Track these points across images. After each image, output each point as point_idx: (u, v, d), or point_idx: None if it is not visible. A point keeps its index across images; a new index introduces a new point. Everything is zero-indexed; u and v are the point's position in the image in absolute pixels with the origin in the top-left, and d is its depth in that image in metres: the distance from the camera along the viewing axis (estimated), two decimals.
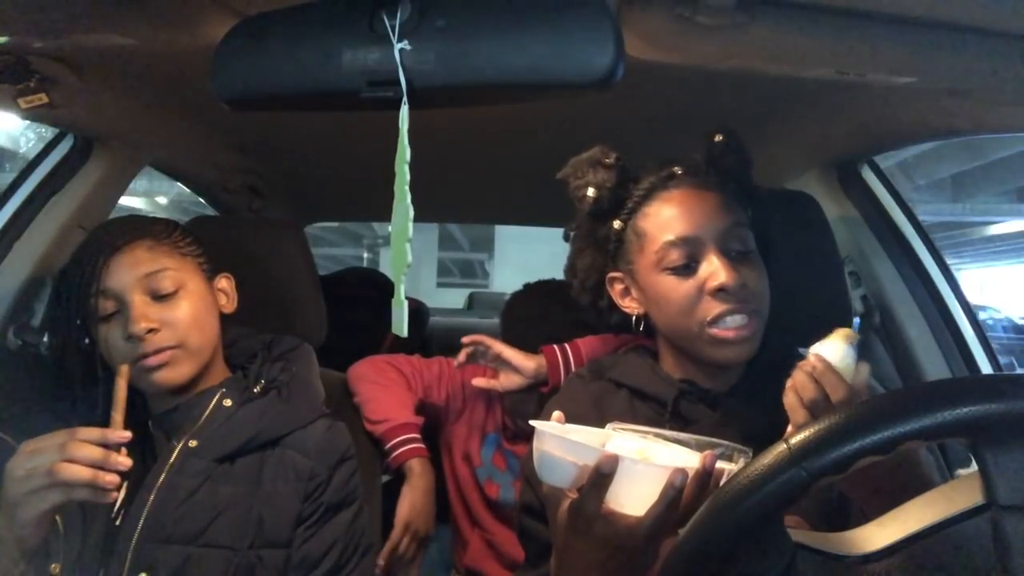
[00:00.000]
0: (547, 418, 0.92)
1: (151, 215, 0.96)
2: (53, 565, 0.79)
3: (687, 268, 0.82)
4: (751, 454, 0.68)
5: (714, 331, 0.80)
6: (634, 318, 0.90)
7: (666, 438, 0.73)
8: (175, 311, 0.88)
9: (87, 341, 0.87)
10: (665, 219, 0.83)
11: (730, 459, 0.68)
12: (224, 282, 0.99)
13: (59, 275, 0.91)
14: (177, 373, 0.87)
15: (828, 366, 0.65)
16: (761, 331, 0.82)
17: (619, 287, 0.91)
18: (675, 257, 0.82)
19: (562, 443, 0.63)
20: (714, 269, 0.80)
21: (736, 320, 0.80)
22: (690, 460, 0.66)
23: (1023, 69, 0.70)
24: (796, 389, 0.67)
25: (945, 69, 0.74)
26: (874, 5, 0.66)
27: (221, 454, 0.87)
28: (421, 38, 0.56)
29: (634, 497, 0.61)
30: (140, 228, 0.91)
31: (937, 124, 1.00)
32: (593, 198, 0.88)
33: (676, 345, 0.88)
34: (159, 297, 0.88)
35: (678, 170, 0.86)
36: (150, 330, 0.85)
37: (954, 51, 0.70)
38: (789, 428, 0.68)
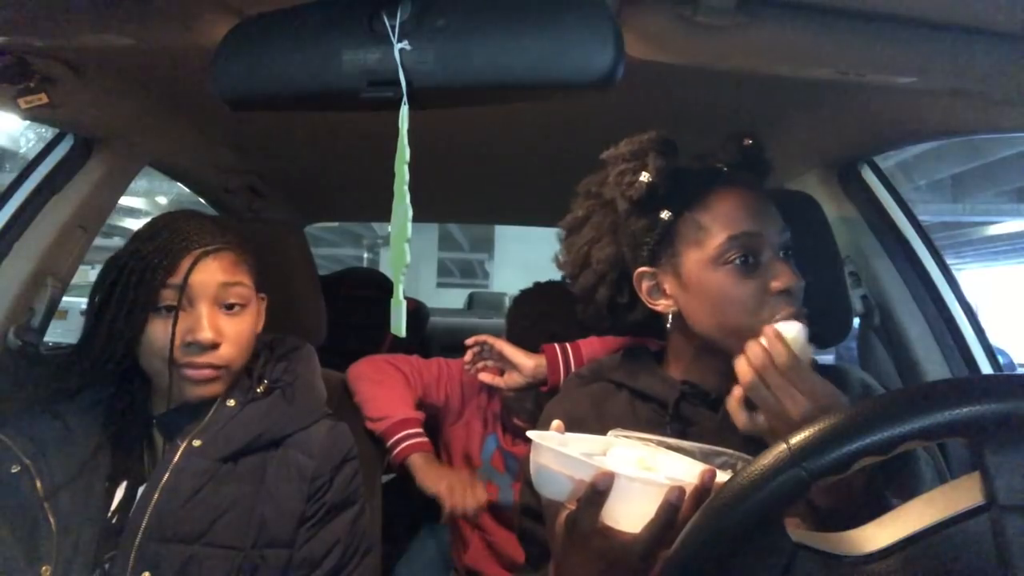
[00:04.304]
0: (547, 421, 0.92)
1: (152, 215, 0.96)
2: (44, 567, 0.78)
3: (749, 265, 0.80)
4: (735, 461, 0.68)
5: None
6: (669, 316, 0.85)
7: (669, 446, 0.72)
8: (237, 327, 0.90)
9: (128, 331, 0.85)
10: (728, 213, 0.81)
11: (733, 468, 0.68)
12: (262, 303, 0.99)
13: (125, 256, 0.88)
14: (212, 390, 0.89)
15: (778, 335, 0.71)
16: None
17: (648, 284, 0.86)
18: (737, 253, 0.79)
19: (558, 457, 0.63)
20: (781, 270, 0.79)
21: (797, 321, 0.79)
22: (692, 471, 0.65)
23: (1023, 69, 0.70)
24: (747, 356, 0.72)
25: (945, 69, 0.74)
26: (874, 5, 0.66)
27: (225, 453, 0.87)
28: (421, 38, 0.56)
29: (630, 514, 0.60)
30: (229, 236, 0.92)
31: (937, 124, 1.00)
32: (647, 184, 0.81)
33: (711, 344, 0.83)
34: (226, 310, 0.89)
35: (724, 168, 0.86)
36: (214, 344, 0.86)
37: (954, 51, 0.70)
38: (735, 389, 0.74)
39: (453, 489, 1.18)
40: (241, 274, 0.91)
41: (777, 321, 0.76)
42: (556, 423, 0.70)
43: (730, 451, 0.70)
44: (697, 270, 0.81)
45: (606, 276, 0.90)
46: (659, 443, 0.72)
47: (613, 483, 0.59)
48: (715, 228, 0.80)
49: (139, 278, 0.85)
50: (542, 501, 0.79)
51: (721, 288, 0.80)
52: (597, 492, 0.60)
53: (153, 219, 0.93)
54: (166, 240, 0.87)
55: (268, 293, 0.99)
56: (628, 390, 0.90)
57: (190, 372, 0.86)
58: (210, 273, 0.87)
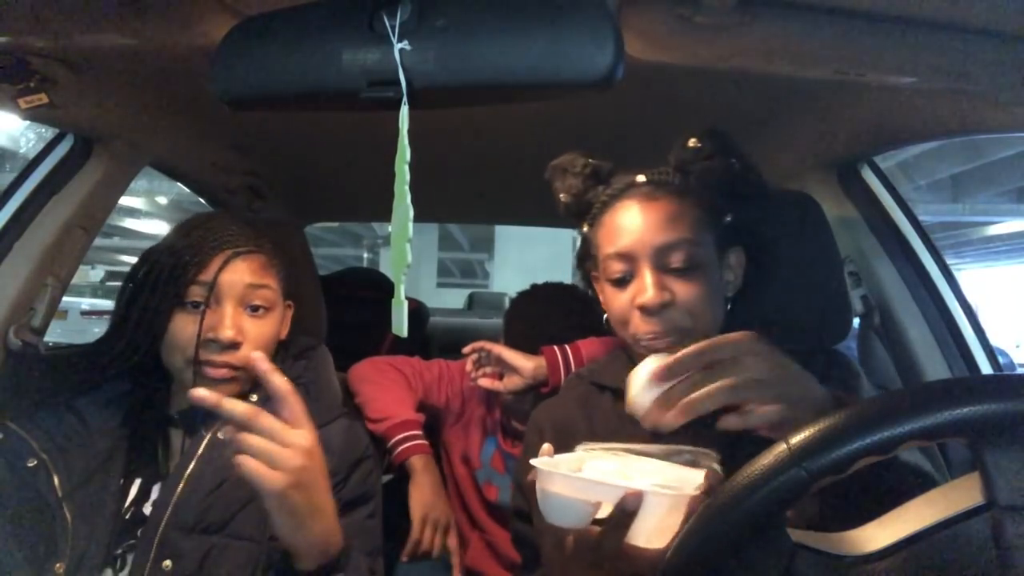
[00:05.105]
0: (535, 425, 0.92)
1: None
2: (57, 564, 0.79)
3: (623, 281, 0.83)
4: (716, 457, 0.68)
5: (643, 346, 0.81)
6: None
7: (632, 451, 0.71)
8: (259, 328, 0.91)
9: (153, 325, 0.87)
10: (609, 232, 0.84)
11: (696, 464, 0.67)
12: (288, 310, 1.00)
13: (159, 251, 0.90)
14: (228, 390, 0.89)
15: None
16: None
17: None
18: (614, 270, 0.83)
19: (575, 483, 0.61)
20: (640, 287, 0.80)
21: (656, 343, 0.80)
22: (670, 474, 0.65)
23: (1023, 69, 0.70)
24: None
25: (945, 69, 0.74)
26: (874, 5, 0.66)
27: None
28: (421, 38, 0.56)
29: (655, 530, 0.58)
30: (261, 239, 0.94)
31: (937, 124, 1.00)
32: (563, 203, 0.91)
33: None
34: (250, 311, 0.91)
35: (640, 179, 0.86)
36: (234, 344, 0.87)
37: (954, 51, 0.70)
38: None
39: (426, 524, 1.19)
40: (269, 277, 0.93)
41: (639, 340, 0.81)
42: (546, 447, 0.69)
43: (689, 448, 0.70)
44: (600, 281, 0.88)
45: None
46: (626, 451, 0.72)
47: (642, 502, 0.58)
48: (601, 245, 0.86)
49: (170, 273, 0.87)
50: (541, 527, 0.79)
51: (606, 300, 0.86)
52: (626, 513, 0.58)
53: (190, 217, 0.96)
54: (199, 238, 0.89)
55: (288, 298, 0.99)
56: (611, 391, 0.90)
57: (208, 370, 0.87)
58: (238, 274, 0.89)
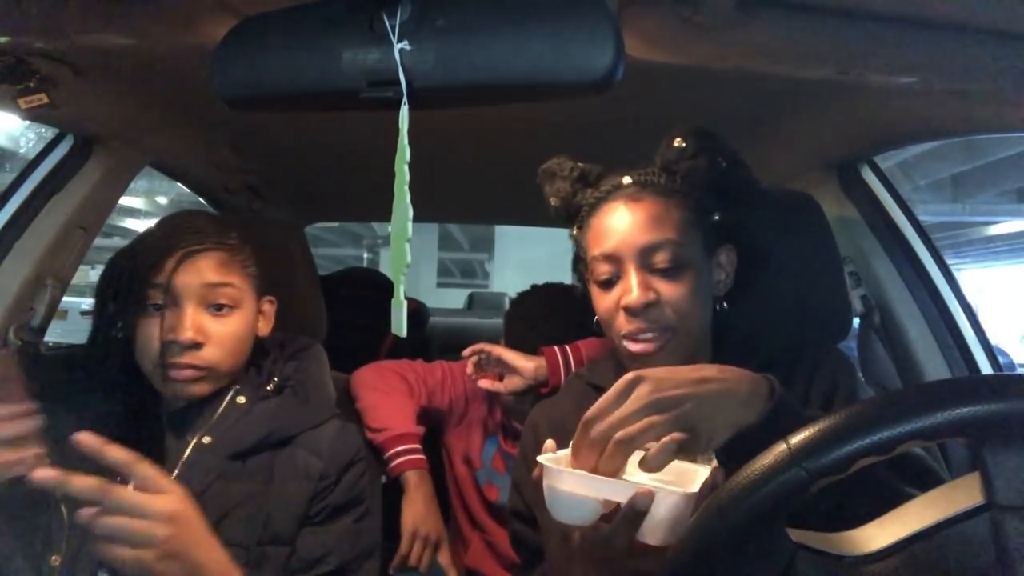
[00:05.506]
0: (532, 426, 0.92)
1: (152, 215, 0.96)
2: (53, 556, 0.79)
3: (609, 283, 0.83)
4: (712, 454, 0.68)
5: (626, 345, 0.82)
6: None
7: None
8: (223, 328, 0.89)
9: (123, 329, 0.86)
10: (596, 234, 0.85)
11: (693, 460, 0.67)
12: (267, 305, 0.99)
13: (119, 256, 0.89)
14: (198, 390, 0.88)
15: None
16: (681, 344, 0.82)
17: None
18: (600, 271, 0.84)
19: (585, 480, 0.61)
20: (625, 287, 0.81)
21: (643, 338, 0.81)
22: (682, 472, 0.65)
23: (1023, 69, 0.70)
24: None
25: (945, 69, 0.74)
26: (874, 5, 0.66)
27: (235, 451, 0.87)
28: (421, 38, 0.56)
29: (666, 528, 0.59)
30: (219, 235, 0.91)
31: (937, 124, 1.00)
32: (554, 207, 0.92)
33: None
34: (213, 311, 0.89)
35: (626, 180, 0.86)
36: (195, 344, 0.85)
37: (954, 51, 0.70)
38: None
39: (416, 538, 1.19)
40: (231, 275, 0.90)
41: (625, 338, 0.82)
42: (549, 442, 0.69)
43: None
44: (590, 283, 0.88)
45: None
46: None
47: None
48: (589, 247, 0.86)
49: (130, 276, 0.85)
50: (545, 523, 0.79)
51: (594, 302, 0.86)
52: (637, 512, 0.58)
53: (161, 218, 0.94)
54: (157, 239, 0.88)
55: (268, 293, 0.98)
56: (604, 391, 0.90)
57: (173, 372, 0.85)
58: (195, 273, 0.87)
